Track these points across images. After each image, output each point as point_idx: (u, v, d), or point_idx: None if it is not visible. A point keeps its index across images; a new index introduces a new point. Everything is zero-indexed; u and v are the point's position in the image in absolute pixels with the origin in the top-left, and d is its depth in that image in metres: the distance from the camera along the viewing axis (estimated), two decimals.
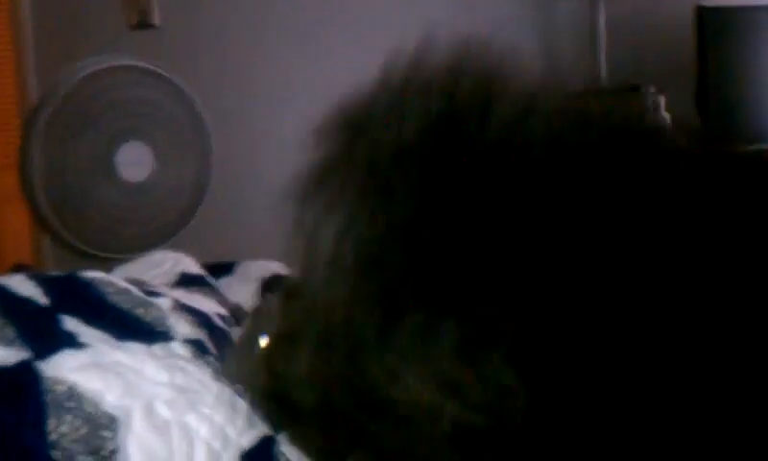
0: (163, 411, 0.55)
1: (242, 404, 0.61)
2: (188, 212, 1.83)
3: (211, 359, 0.67)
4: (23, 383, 0.52)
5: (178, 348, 0.64)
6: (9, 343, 0.55)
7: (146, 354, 0.58)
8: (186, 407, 0.56)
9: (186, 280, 1.03)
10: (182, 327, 0.68)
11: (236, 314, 1.07)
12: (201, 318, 0.80)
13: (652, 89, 2.24)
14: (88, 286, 0.65)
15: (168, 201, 1.84)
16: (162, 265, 1.07)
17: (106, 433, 0.51)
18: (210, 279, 1.09)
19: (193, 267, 1.08)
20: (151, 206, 1.85)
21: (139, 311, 0.65)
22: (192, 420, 0.56)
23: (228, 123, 2.19)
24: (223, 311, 1.01)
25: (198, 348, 0.67)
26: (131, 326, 0.63)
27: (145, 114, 1.90)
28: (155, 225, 1.80)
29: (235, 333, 0.99)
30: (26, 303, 0.62)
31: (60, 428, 0.49)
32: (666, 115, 1.97)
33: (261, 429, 0.61)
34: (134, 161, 1.92)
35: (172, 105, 1.86)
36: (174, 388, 0.57)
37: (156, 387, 0.56)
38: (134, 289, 0.67)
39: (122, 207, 1.89)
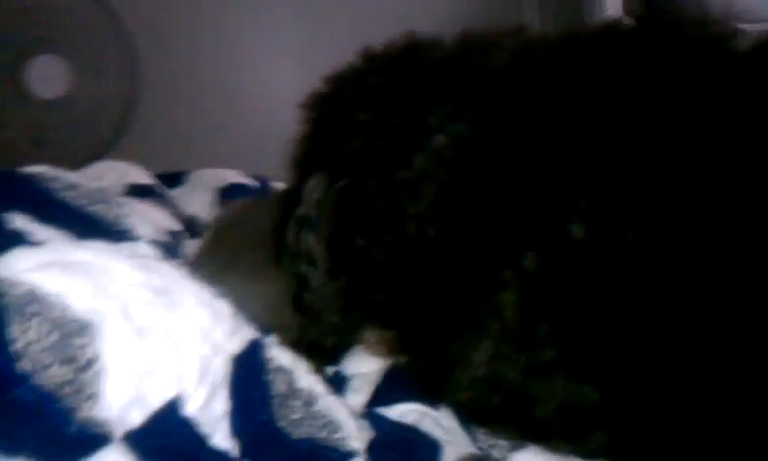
0: (142, 314, 0.47)
1: (224, 307, 0.53)
2: (118, 128, 1.69)
3: (181, 261, 0.59)
4: None
5: (145, 248, 0.55)
6: None
7: (113, 253, 0.50)
8: (167, 310, 0.48)
9: (135, 191, 0.94)
10: (145, 228, 0.60)
11: (191, 226, 0.99)
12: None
13: None
14: (33, 182, 0.55)
15: (91, 117, 1.70)
16: (107, 176, 0.96)
17: (79, 340, 0.43)
18: (162, 190, 1.00)
19: (142, 177, 0.99)
20: (71, 123, 1.71)
21: (97, 208, 0.56)
22: (175, 323, 0.48)
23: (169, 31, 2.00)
24: (175, 226, 0.93)
25: (165, 249, 0.59)
26: (90, 223, 0.54)
27: (58, 24, 1.74)
28: (79, 144, 1.66)
29: (190, 246, 0.91)
30: None
31: (27, 336, 0.41)
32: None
33: (247, 333, 0.54)
34: (48, 76, 1.76)
35: (89, 13, 1.70)
36: (151, 289, 0.49)
37: (130, 288, 0.48)
38: (88, 184, 0.58)
39: (39, 127, 1.74)
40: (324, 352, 0.71)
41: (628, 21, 0.66)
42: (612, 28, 0.67)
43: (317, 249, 0.68)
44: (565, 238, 0.53)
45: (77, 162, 1.30)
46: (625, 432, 0.53)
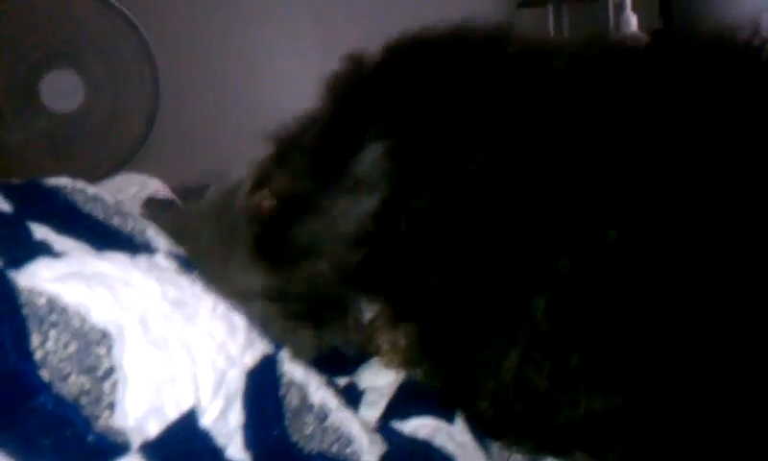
0: (160, 326, 0.47)
1: (239, 320, 0.54)
2: (137, 141, 1.70)
3: (197, 274, 0.59)
4: None
5: (162, 260, 0.56)
6: None
7: (131, 265, 0.51)
8: (184, 322, 0.49)
9: (154, 204, 0.94)
10: (163, 241, 0.61)
11: None
12: None
13: None
14: (55, 193, 0.56)
15: (108, 131, 1.72)
16: (126, 190, 0.97)
17: (98, 350, 0.43)
18: (180, 202, 1.01)
19: (162, 190, 0.99)
20: (88, 137, 1.73)
21: (116, 221, 0.57)
22: (191, 335, 0.49)
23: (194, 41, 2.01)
24: None
25: (182, 262, 0.59)
26: (108, 236, 0.55)
27: (72, 39, 1.75)
28: (97, 157, 1.68)
29: None
30: None
31: (46, 345, 0.41)
32: (632, 16, 1.91)
33: (261, 347, 0.54)
34: (62, 91, 1.78)
35: (106, 25, 1.72)
36: (168, 301, 0.49)
37: (148, 300, 0.48)
38: (106, 197, 0.59)
39: (56, 141, 1.76)
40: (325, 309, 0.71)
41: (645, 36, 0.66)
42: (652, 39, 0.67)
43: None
44: (602, 244, 0.53)
45: (95, 176, 1.32)
46: (647, 446, 0.53)
